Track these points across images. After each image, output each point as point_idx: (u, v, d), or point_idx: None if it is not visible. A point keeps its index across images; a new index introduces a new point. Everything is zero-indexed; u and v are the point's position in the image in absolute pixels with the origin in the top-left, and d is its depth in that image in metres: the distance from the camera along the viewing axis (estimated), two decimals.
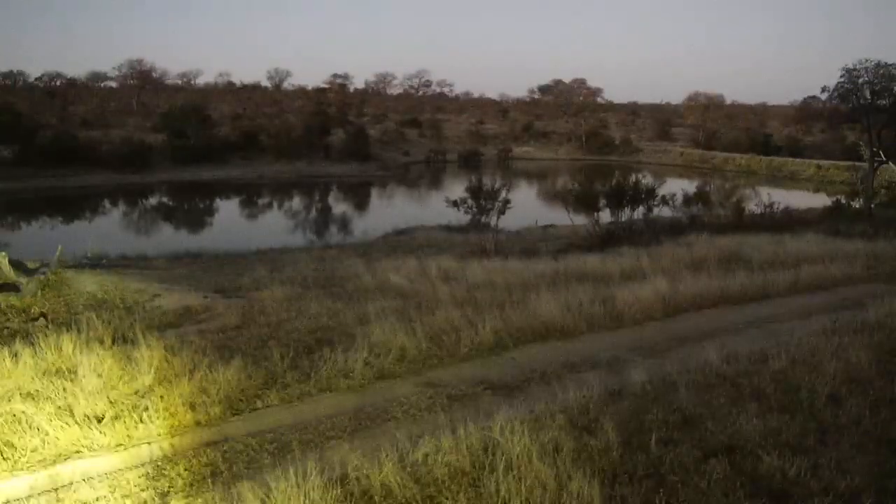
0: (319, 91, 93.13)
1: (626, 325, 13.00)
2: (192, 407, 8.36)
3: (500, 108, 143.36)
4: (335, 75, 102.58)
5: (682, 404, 8.30)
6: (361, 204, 59.63)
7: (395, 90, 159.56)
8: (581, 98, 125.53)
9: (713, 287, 15.39)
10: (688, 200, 36.19)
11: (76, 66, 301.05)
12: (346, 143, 78.86)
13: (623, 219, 30.52)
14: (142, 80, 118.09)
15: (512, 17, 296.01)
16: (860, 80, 38.63)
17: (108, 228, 41.55)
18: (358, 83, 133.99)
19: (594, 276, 17.57)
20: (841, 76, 39.20)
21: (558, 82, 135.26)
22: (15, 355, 9.59)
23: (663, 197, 32.26)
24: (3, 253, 15.44)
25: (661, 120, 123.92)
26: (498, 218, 29.01)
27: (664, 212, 32.95)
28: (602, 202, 30.61)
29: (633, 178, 33.57)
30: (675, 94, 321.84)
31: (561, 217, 34.16)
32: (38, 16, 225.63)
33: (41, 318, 12.66)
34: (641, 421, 7.81)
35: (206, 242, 31.58)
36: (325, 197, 63.91)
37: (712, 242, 24.14)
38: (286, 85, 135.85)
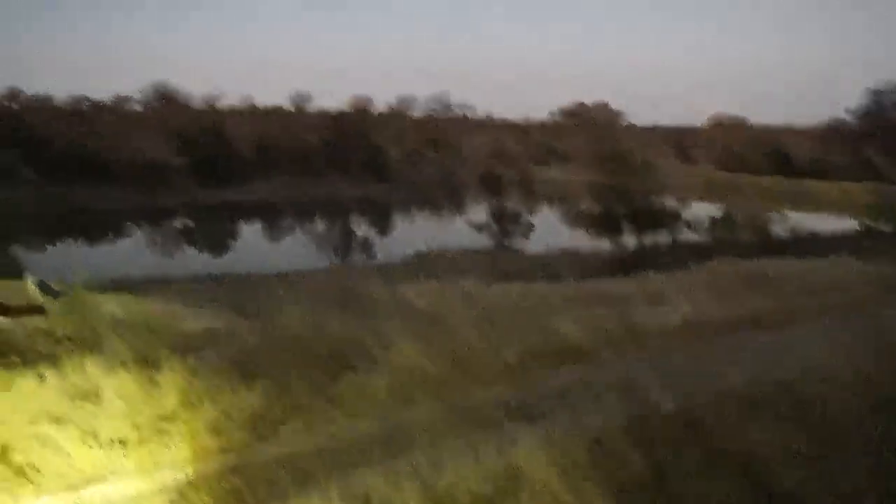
0: (341, 114, 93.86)
1: (649, 348, 12.91)
2: (216, 432, 8.39)
3: (522, 131, 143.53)
4: (356, 97, 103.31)
5: (708, 430, 8.22)
6: (383, 226, 59.71)
7: (416, 112, 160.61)
8: (603, 120, 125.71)
9: (738, 310, 15.27)
10: (712, 223, 36.02)
11: (100, 89, 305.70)
12: (368, 164, 79.24)
13: (646, 242, 30.41)
14: (165, 102, 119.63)
15: (535, 38, 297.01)
16: (886, 101, 38.40)
17: (132, 250, 41.91)
18: (379, 105, 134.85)
19: (617, 299, 17.45)
20: (866, 97, 39.05)
21: (580, 105, 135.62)
22: (40, 377, 9.66)
23: (687, 220, 32.16)
24: (30, 275, 15.65)
25: (682, 142, 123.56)
26: (520, 241, 29.03)
27: (687, 235, 32.82)
28: (625, 226, 30.55)
29: (655, 201, 33.50)
30: (696, 117, 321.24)
31: (584, 241, 34.09)
32: (65, 36, 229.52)
33: (66, 341, 12.77)
34: (666, 447, 7.74)
35: (229, 264, 31.75)
36: (346, 219, 64.01)
37: (737, 266, 23.93)
38: (308, 108, 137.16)
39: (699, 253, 30.35)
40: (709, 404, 9.22)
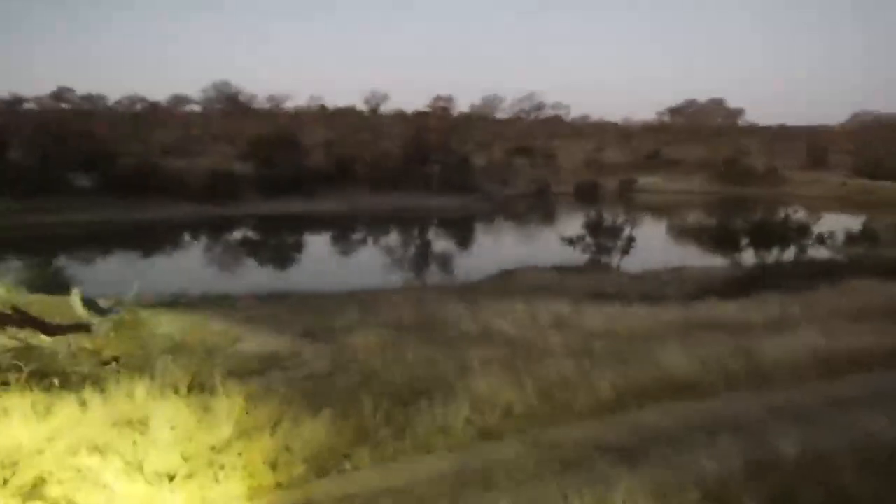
0: (420, 115, 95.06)
1: (771, 384, 12.50)
2: (274, 466, 8.46)
3: (623, 134, 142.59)
4: (437, 98, 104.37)
5: (843, 485, 7.87)
6: (464, 241, 59.92)
7: (503, 114, 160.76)
8: (718, 120, 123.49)
9: (880, 343, 14.67)
10: (849, 239, 34.85)
11: (158, 89, 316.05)
12: (449, 173, 79.96)
13: (769, 260, 29.63)
14: (228, 104, 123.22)
15: (636, 30, 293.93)
16: None
17: (190, 264, 43.17)
18: (462, 106, 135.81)
19: (733, 326, 17.03)
20: None
21: (691, 102, 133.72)
22: (83, 403, 9.90)
23: (819, 235, 31.20)
24: (77, 290, 16.17)
25: (814, 145, 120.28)
26: (620, 258, 28.66)
27: (819, 252, 31.82)
28: (743, 241, 29.85)
29: (780, 211, 32.65)
30: (832, 115, 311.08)
31: (694, 258, 33.45)
32: (114, 34, 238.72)
33: (113, 362, 13.09)
34: (788, 502, 7.45)
35: (295, 281, 32.34)
36: (424, 233, 64.60)
37: (879, 289, 23.06)
38: (383, 109, 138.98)
39: (832, 272, 29.36)
40: (842, 454, 8.82)
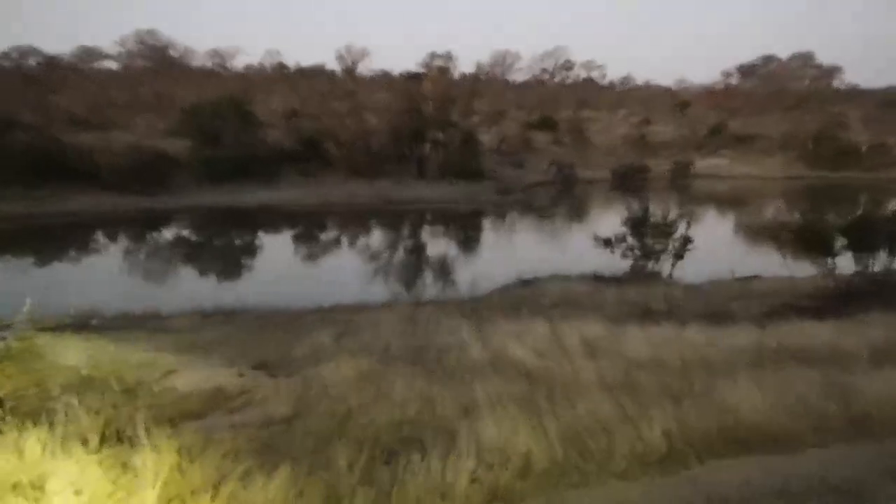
0: (411, 78, 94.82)
1: (878, 434, 12.50)
2: None
3: (677, 102, 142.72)
4: (433, 55, 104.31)
5: None
6: (470, 242, 59.94)
7: (519, 76, 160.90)
8: (806, 83, 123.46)
9: None
10: None
11: (59, 40, 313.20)
12: (449, 154, 79.91)
13: (873, 268, 29.61)
14: (156, 60, 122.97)
15: None
16: None
17: (105, 274, 43.00)
18: (466, 66, 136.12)
19: (825, 355, 17.04)
20: None
21: (769, 59, 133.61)
22: None
23: None
24: None
25: None
26: (673, 264, 28.65)
27: None
28: (839, 242, 29.82)
29: (890, 204, 32.62)
30: None
31: (771, 264, 33.41)
32: None
33: None
34: None
35: (247, 295, 32.22)
36: (417, 231, 64.67)
37: None
38: (363, 69, 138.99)
39: None
40: None
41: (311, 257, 53.26)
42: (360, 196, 69.50)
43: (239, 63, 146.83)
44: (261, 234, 59.92)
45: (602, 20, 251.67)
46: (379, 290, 38.12)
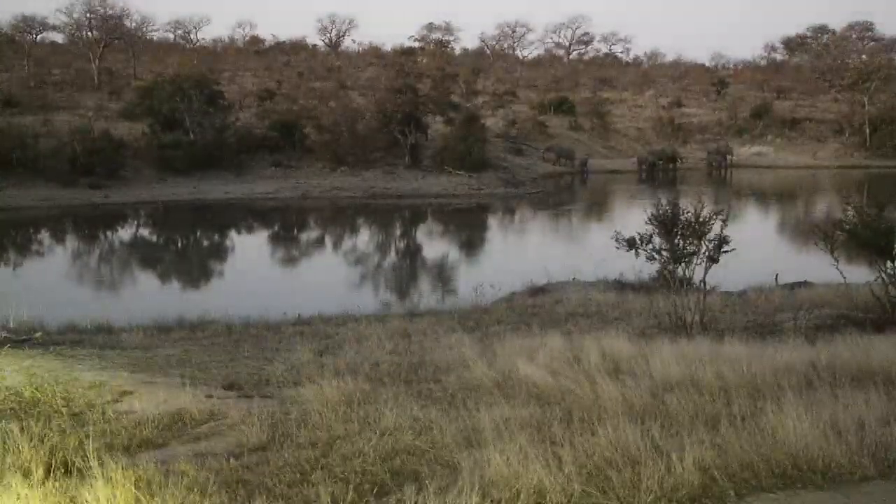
0: (404, 53, 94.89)
1: None
2: None
3: (713, 80, 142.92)
4: (430, 26, 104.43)
5: None
6: (472, 242, 59.99)
7: (530, 51, 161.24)
8: (863, 58, 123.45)
9: None
10: None
11: None
12: (449, 141, 79.76)
13: None
14: (106, 31, 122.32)
15: None
16: None
17: (47, 281, 42.89)
18: (468, 40, 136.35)
19: (888, 375, 16.97)
20: None
21: (820, 30, 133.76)
22: None
23: None
24: None
25: None
26: (706, 269, 28.56)
27: None
28: None
29: None
30: None
31: (823, 269, 33.33)
32: None
33: None
34: None
35: (215, 305, 32.09)
36: (411, 230, 64.71)
37: None
38: (348, 43, 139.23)
39: None
40: None
41: (289, 261, 53.21)
42: (345, 189, 69.52)
43: (205, 35, 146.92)
44: (230, 233, 59.83)
45: None
46: (367, 299, 38.07)
